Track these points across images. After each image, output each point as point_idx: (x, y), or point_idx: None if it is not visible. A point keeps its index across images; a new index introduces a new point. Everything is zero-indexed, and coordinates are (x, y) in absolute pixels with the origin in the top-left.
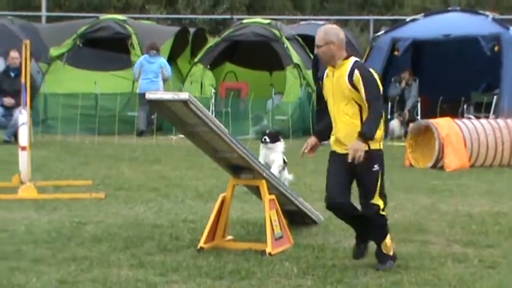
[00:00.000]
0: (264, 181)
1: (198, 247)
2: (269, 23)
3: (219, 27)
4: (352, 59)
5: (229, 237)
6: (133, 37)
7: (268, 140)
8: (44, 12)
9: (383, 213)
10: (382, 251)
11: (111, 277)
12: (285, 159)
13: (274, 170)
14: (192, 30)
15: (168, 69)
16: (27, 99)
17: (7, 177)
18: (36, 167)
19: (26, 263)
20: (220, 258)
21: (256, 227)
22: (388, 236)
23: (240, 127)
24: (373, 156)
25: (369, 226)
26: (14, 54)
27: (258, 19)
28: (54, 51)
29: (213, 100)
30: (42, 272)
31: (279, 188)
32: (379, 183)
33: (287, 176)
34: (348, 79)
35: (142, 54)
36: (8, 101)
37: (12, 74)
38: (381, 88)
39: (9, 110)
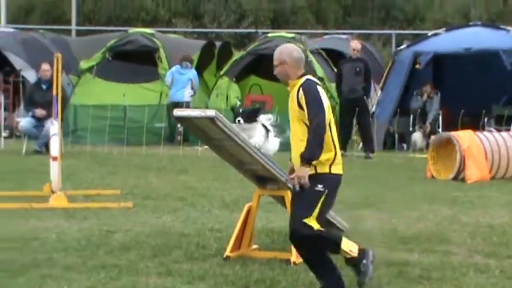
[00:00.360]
0: (288, 191)
1: (225, 256)
2: (293, 37)
3: (244, 41)
4: (304, 78)
5: (255, 246)
6: (161, 50)
7: (242, 121)
8: (73, 26)
9: (317, 229)
10: (347, 258)
11: (139, 285)
12: (268, 128)
13: None
14: (218, 43)
15: (197, 82)
16: (58, 111)
17: (38, 186)
18: (66, 176)
19: (58, 271)
20: (246, 267)
21: (281, 236)
22: (342, 242)
23: None
24: (318, 178)
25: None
26: (45, 66)
27: (283, 33)
28: (84, 64)
29: None
30: (72, 279)
31: None
32: (319, 205)
33: (271, 144)
34: (296, 98)
35: (170, 67)
36: (40, 112)
37: (43, 86)
38: (325, 108)
39: (40, 121)
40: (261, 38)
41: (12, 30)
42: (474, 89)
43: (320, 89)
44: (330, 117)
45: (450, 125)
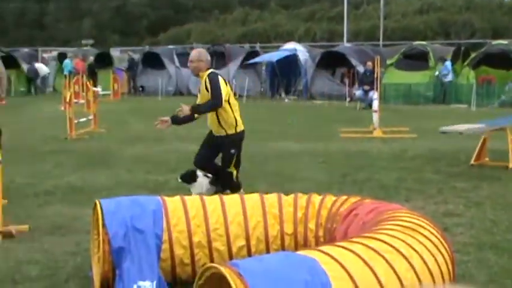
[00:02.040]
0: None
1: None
2: (507, 44)
3: (477, 47)
4: (209, 71)
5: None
6: (430, 53)
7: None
8: (381, 42)
9: (233, 177)
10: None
11: (423, 178)
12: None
13: None
14: (462, 48)
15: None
16: (376, 87)
17: (366, 125)
18: (381, 121)
19: (374, 169)
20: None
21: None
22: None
23: (489, 100)
24: (229, 141)
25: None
26: (369, 63)
27: (501, 41)
28: (388, 61)
29: (474, 86)
30: (401, 175)
31: None
32: (234, 159)
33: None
34: (204, 84)
35: (435, 63)
36: (366, 87)
37: (367, 73)
38: (222, 91)
39: (366, 92)
40: (487, 46)
41: (350, 45)
42: None
43: (220, 78)
44: (229, 98)
45: None
